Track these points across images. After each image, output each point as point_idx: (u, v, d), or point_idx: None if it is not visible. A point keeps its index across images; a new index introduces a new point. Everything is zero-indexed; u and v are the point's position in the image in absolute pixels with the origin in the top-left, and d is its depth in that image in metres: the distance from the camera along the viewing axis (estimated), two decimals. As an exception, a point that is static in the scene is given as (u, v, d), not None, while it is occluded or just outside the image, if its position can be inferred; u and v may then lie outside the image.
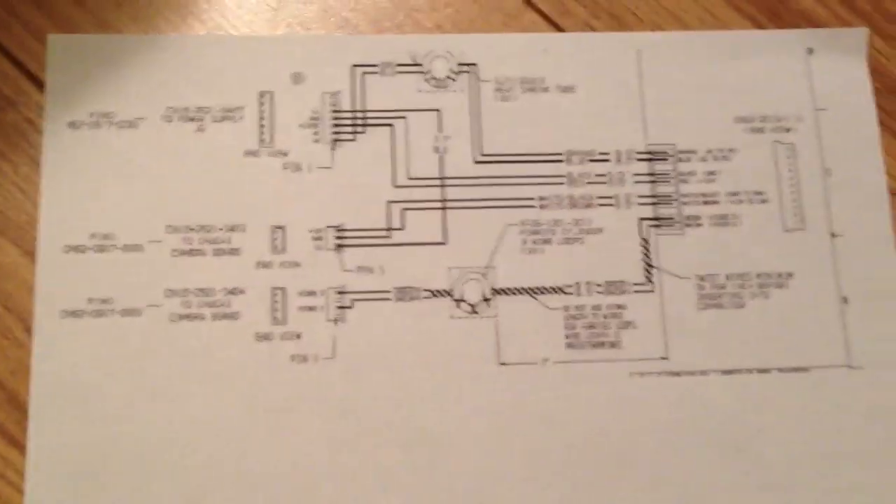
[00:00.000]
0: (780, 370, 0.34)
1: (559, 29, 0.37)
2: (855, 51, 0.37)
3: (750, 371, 0.34)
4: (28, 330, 0.32)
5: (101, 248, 0.33)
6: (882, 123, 0.37)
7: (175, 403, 0.32)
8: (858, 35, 0.37)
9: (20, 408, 0.32)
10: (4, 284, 0.33)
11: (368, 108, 0.36)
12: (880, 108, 0.37)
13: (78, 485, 0.31)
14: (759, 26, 0.38)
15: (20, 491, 0.31)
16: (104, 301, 0.33)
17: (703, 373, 0.34)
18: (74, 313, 0.33)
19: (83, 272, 0.33)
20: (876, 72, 0.37)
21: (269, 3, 0.36)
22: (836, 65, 0.37)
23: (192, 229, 0.34)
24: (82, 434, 0.32)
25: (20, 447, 0.32)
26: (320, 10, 0.37)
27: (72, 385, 0.32)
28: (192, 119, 0.35)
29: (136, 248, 0.33)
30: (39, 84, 0.35)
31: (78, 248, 0.33)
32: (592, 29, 0.37)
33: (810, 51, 0.37)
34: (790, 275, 0.35)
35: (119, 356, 0.32)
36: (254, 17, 0.36)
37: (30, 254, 0.33)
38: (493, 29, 0.37)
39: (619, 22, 0.37)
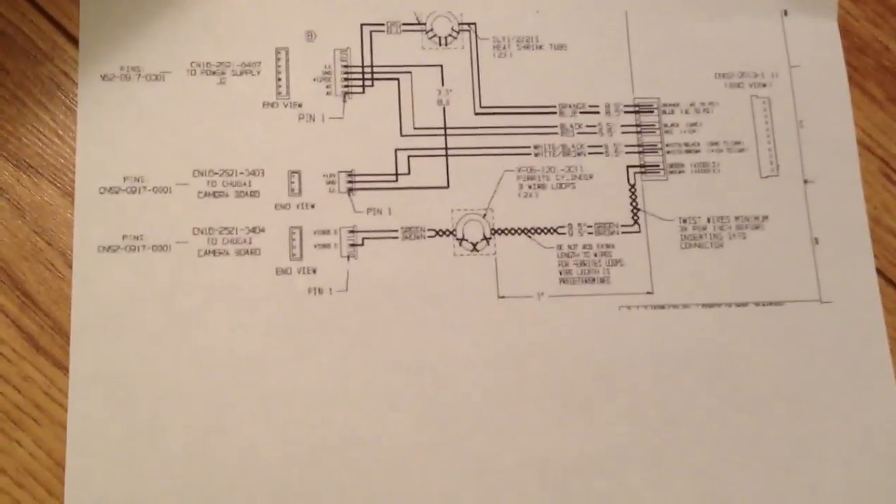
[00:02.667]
0: (757, 304, 0.37)
1: None
2: (826, 11, 0.39)
3: (729, 305, 0.36)
4: (68, 264, 0.35)
5: (133, 190, 0.35)
6: (851, 79, 0.39)
7: (201, 331, 0.34)
8: (829, -2, 0.39)
9: (63, 334, 0.34)
10: (46, 222, 0.35)
11: (376, 64, 0.38)
12: (849, 64, 0.39)
13: (115, 402, 0.34)
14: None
15: (64, 408, 0.34)
16: (136, 238, 0.35)
17: (686, 306, 0.36)
18: (110, 248, 0.35)
19: (117, 211, 0.35)
20: (845, 31, 0.39)
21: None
22: (809, 24, 0.39)
23: (215, 173, 0.36)
24: (118, 357, 0.34)
25: (64, 369, 0.34)
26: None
27: (108, 314, 0.34)
28: (213, 73, 0.37)
29: (165, 190, 0.36)
30: (73, 39, 0.37)
31: (112, 190, 0.35)
32: None
33: (785, 12, 0.39)
34: (766, 217, 0.38)
35: (150, 288, 0.35)
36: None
37: (68, 194, 0.35)
38: None
39: None
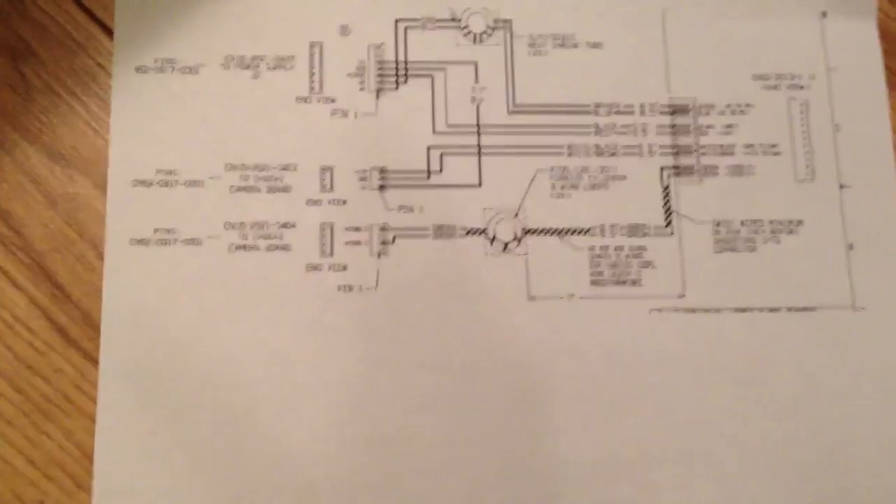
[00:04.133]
0: (789, 309, 0.36)
1: None
2: (865, 13, 0.39)
3: (761, 310, 0.36)
4: (100, 256, 0.35)
5: (165, 183, 0.36)
6: (889, 83, 0.38)
7: (231, 325, 0.35)
8: (868, 0, 0.39)
9: (94, 326, 0.34)
10: (78, 214, 0.35)
11: (410, 60, 0.38)
12: (888, 68, 0.39)
13: (144, 395, 0.34)
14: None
15: (93, 400, 0.34)
16: (168, 231, 0.35)
17: (717, 310, 0.36)
18: (141, 241, 0.35)
19: (149, 204, 0.35)
20: (884, 33, 0.39)
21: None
22: (848, 27, 0.39)
23: (248, 168, 0.36)
24: (148, 350, 0.34)
25: (94, 361, 0.34)
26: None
27: (138, 306, 0.34)
28: (247, 67, 0.37)
29: (197, 183, 0.36)
30: (108, 31, 0.37)
31: (145, 183, 0.36)
32: None
33: (824, 13, 0.39)
34: (800, 222, 0.37)
35: (181, 282, 0.35)
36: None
37: (101, 186, 0.35)
38: None
39: None
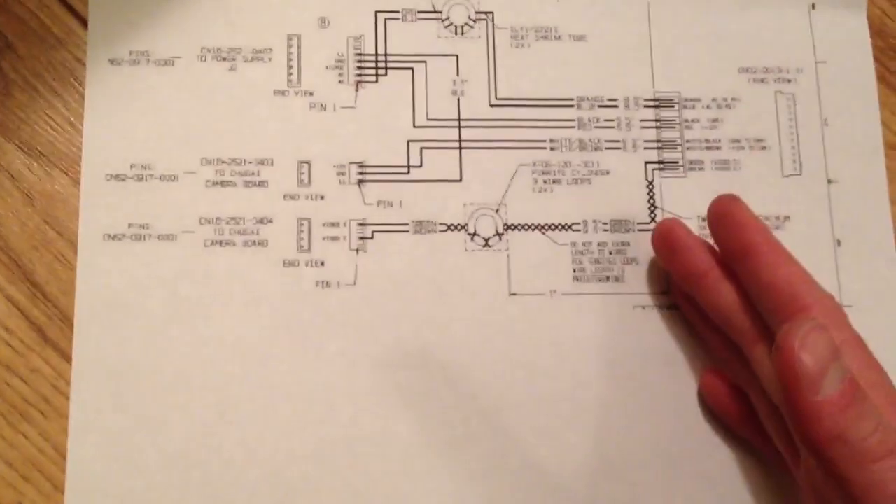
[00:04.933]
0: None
1: None
2: (856, 7, 0.38)
3: (746, 306, 0.36)
4: (77, 254, 0.34)
5: (140, 178, 0.35)
6: (883, 79, 0.38)
7: (206, 322, 0.34)
8: (862, -8, 0.38)
9: (72, 325, 0.34)
10: (56, 211, 0.35)
11: (390, 52, 0.37)
12: (882, 64, 0.38)
13: (117, 393, 0.33)
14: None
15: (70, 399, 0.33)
16: (143, 226, 0.35)
17: (702, 307, 0.36)
18: (115, 237, 0.35)
19: (123, 199, 0.35)
20: (879, 31, 0.39)
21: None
22: (837, 20, 0.38)
23: (223, 162, 0.35)
24: (122, 347, 0.34)
25: (71, 361, 0.34)
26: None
27: (112, 302, 0.34)
28: (224, 59, 0.36)
29: (172, 178, 0.35)
30: (87, 24, 0.36)
31: (119, 177, 0.35)
32: None
33: (812, 6, 0.38)
34: (787, 217, 0.37)
35: (156, 277, 0.34)
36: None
37: (79, 184, 0.35)
38: None
39: None
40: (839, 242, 0.37)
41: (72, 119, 0.35)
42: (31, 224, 0.34)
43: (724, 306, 0.32)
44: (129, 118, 0.35)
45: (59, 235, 0.34)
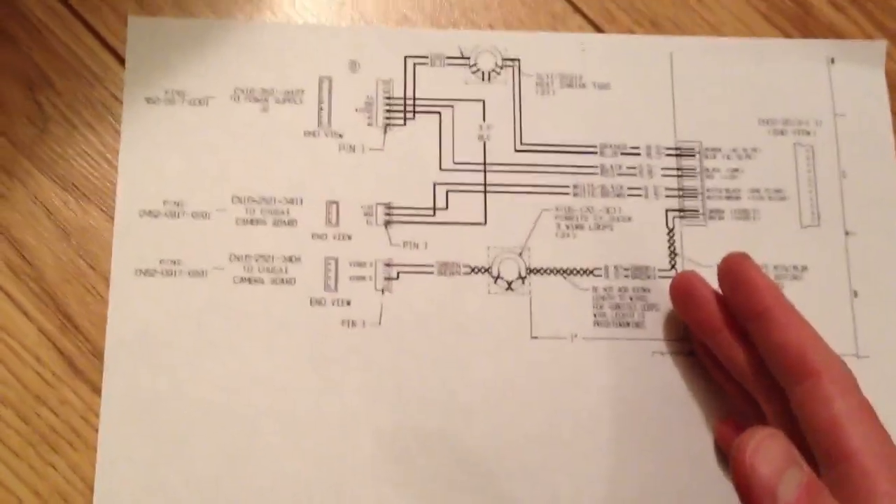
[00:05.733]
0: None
1: (602, 33, 0.39)
2: (874, 62, 0.39)
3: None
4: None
5: (172, 214, 0.36)
6: None
7: (234, 358, 0.35)
8: (877, 47, 0.39)
9: (102, 358, 0.34)
10: (90, 245, 0.35)
11: (418, 96, 0.38)
12: None
13: (145, 426, 0.34)
14: (788, 36, 0.40)
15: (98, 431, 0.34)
16: (174, 262, 0.35)
17: (720, 354, 0.36)
18: (147, 272, 0.35)
19: (156, 235, 0.35)
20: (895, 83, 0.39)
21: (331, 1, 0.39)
22: (855, 74, 0.39)
23: (254, 200, 0.36)
24: (150, 381, 0.34)
25: (100, 393, 0.34)
26: (382, 6, 0.39)
27: (142, 336, 0.34)
28: (257, 100, 0.37)
29: (203, 215, 0.36)
30: (123, 62, 0.37)
31: (151, 213, 0.36)
32: (633, 34, 0.39)
33: (832, 60, 0.39)
34: (805, 268, 0.37)
35: (185, 313, 0.35)
36: (320, 9, 0.39)
37: (113, 219, 0.36)
38: (540, 29, 0.39)
39: (658, 29, 0.39)
40: (856, 294, 0.37)
41: (107, 155, 0.36)
42: (65, 258, 0.35)
43: (740, 362, 0.33)
44: (163, 155, 0.36)
45: (92, 270, 0.35)
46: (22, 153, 0.36)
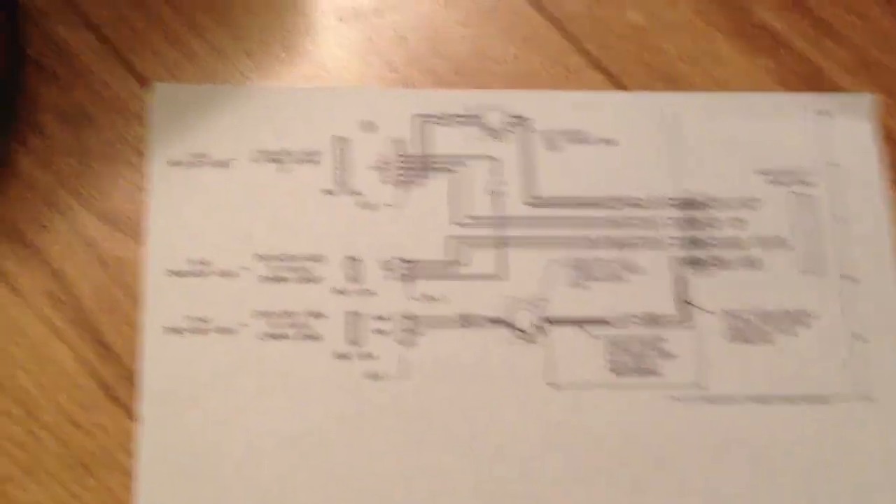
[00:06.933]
0: (803, 400, 0.37)
1: (621, 88, 0.40)
2: (863, 113, 0.41)
3: (776, 400, 0.37)
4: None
5: (199, 273, 0.36)
6: (890, 179, 0.40)
7: (262, 413, 0.35)
8: (867, 100, 0.41)
9: (136, 385, 0.35)
10: (126, 277, 0.36)
11: (431, 154, 0.39)
12: (889, 165, 0.40)
13: (179, 486, 0.34)
14: (793, 90, 0.41)
15: (132, 456, 0.34)
16: (202, 320, 0.36)
17: (736, 400, 0.37)
18: (176, 330, 0.36)
19: (183, 294, 0.36)
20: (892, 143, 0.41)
21: (351, 62, 0.40)
22: (847, 125, 0.41)
23: (277, 258, 0.37)
24: (182, 439, 0.35)
25: (134, 419, 0.35)
26: (396, 67, 0.40)
27: (173, 394, 0.35)
28: (275, 161, 0.38)
29: (229, 273, 0.36)
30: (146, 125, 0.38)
31: (179, 273, 0.36)
32: (650, 89, 0.40)
33: (825, 112, 0.41)
34: (810, 314, 0.38)
35: (214, 369, 0.35)
36: (334, 72, 0.40)
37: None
38: (559, 84, 0.40)
39: (673, 84, 0.41)
40: (860, 338, 0.38)
41: (145, 188, 0.37)
42: (102, 287, 0.36)
43: None
44: (188, 216, 0.37)
45: (127, 298, 0.36)
46: (63, 187, 0.37)
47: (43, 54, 0.38)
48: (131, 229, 0.37)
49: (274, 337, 0.36)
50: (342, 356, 0.36)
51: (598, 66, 0.41)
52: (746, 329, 0.38)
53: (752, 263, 0.39)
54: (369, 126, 0.39)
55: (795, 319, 0.38)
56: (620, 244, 0.38)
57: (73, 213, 0.37)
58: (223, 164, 0.38)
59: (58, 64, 0.38)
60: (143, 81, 0.38)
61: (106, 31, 0.39)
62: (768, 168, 0.40)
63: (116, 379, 0.35)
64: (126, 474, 0.34)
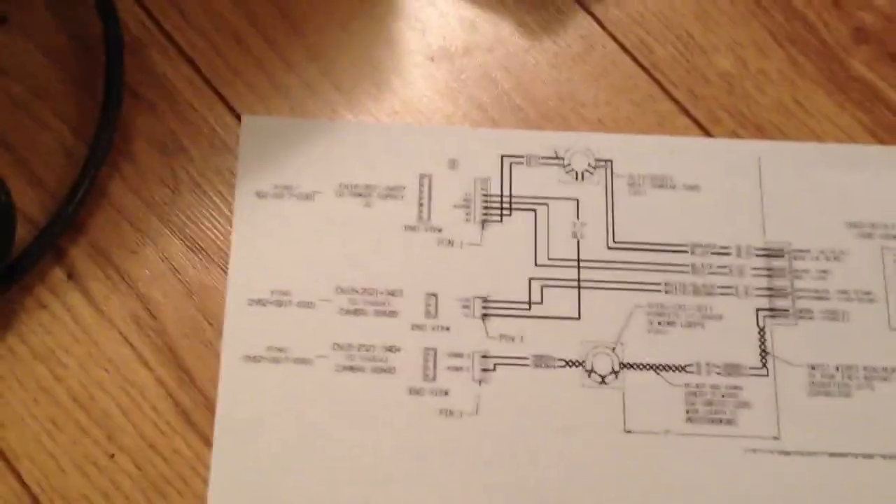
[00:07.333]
0: (883, 457, 0.36)
1: (708, 135, 0.40)
2: (959, 167, 0.40)
3: (855, 455, 0.36)
4: (221, 373, 0.37)
5: (279, 303, 0.37)
6: None
7: (335, 444, 0.36)
8: (962, 154, 0.40)
9: (213, 412, 0.36)
10: (211, 305, 0.37)
11: (514, 194, 0.39)
12: None
13: (251, 507, 0.35)
14: (883, 143, 0.41)
15: (206, 482, 0.35)
16: (280, 350, 0.36)
17: (812, 454, 0.36)
18: (254, 358, 0.36)
19: (263, 323, 0.37)
20: None
21: (439, 100, 0.41)
22: (941, 177, 0.40)
23: (356, 291, 0.37)
24: (254, 465, 0.35)
25: (210, 445, 0.36)
26: (484, 106, 0.41)
27: (249, 422, 0.36)
28: (360, 195, 0.39)
29: (308, 304, 0.37)
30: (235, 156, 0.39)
31: (260, 302, 0.37)
32: (738, 137, 0.40)
33: (916, 163, 0.40)
34: (894, 369, 0.37)
35: (290, 399, 0.36)
36: (420, 111, 0.40)
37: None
38: (648, 129, 0.40)
39: (762, 133, 0.40)
40: (939, 395, 0.37)
41: (232, 219, 0.38)
42: (187, 314, 0.37)
43: None
44: (271, 247, 0.38)
45: (211, 326, 0.37)
46: (155, 214, 0.38)
47: (140, 84, 0.39)
48: (217, 258, 0.38)
49: (350, 369, 0.36)
50: (416, 391, 0.36)
51: (686, 113, 0.41)
52: (828, 383, 0.37)
53: (837, 316, 0.38)
54: (454, 164, 0.39)
55: (881, 376, 0.37)
56: (702, 291, 0.38)
57: (163, 241, 0.38)
58: (308, 197, 0.38)
59: (154, 94, 0.39)
60: (235, 114, 0.39)
61: (201, 64, 0.40)
62: (857, 220, 0.39)
63: (195, 405, 0.36)
64: (199, 499, 0.35)
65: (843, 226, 0.39)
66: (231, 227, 0.38)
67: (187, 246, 0.38)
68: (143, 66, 0.40)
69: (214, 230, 0.38)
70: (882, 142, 0.40)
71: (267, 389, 0.36)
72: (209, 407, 0.36)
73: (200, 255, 0.38)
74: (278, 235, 0.38)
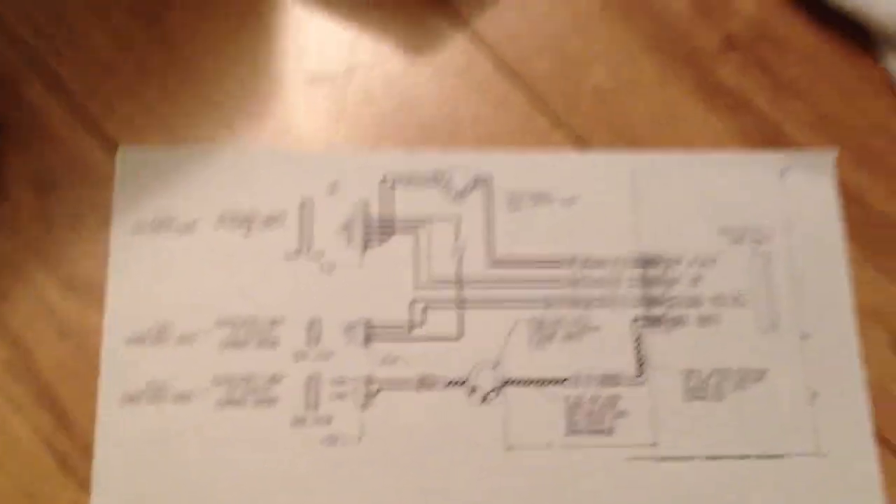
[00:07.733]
0: (757, 457, 0.37)
1: (585, 148, 0.41)
2: (823, 171, 0.41)
3: (730, 457, 0.37)
4: (97, 414, 0.36)
5: (158, 340, 0.37)
6: (865, 253, 0.40)
7: (219, 482, 0.35)
8: (827, 156, 0.42)
9: (92, 457, 0.35)
10: (88, 346, 0.37)
11: (396, 216, 0.39)
12: (864, 238, 0.41)
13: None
14: (750, 147, 0.42)
15: None
16: (159, 388, 0.36)
17: (689, 458, 0.37)
18: (133, 398, 0.36)
19: (142, 361, 0.36)
20: (860, 204, 0.41)
21: (319, 123, 0.40)
22: (807, 183, 0.41)
23: (237, 323, 0.37)
24: (138, 505, 0.35)
25: (88, 492, 0.35)
26: (362, 129, 0.41)
27: (128, 462, 0.35)
28: (241, 223, 0.38)
29: (188, 339, 0.37)
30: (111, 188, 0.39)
31: (138, 339, 0.37)
32: (613, 148, 0.41)
33: (784, 170, 0.41)
34: (765, 371, 0.39)
35: (170, 439, 0.36)
36: (299, 134, 0.40)
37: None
38: (527, 144, 0.41)
39: (636, 143, 0.41)
40: (815, 394, 0.38)
41: (108, 258, 0.38)
42: (62, 356, 0.36)
43: None
44: (149, 282, 0.37)
45: (88, 368, 0.36)
46: (28, 252, 0.37)
47: (9, 118, 0.39)
48: (93, 297, 0.37)
49: (232, 403, 0.36)
50: (299, 421, 0.36)
51: (563, 126, 0.41)
52: (703, 388, 0.38)
53: (710, 322, 0.39)
54: (335, 188, 0.39)
55: (752, 377, 0.38)
56: (580, 304, 0.39)
57: (36, 282, 0.37)
58: (188, 228, 0.38)
59: (25, 128, 0.39)
60: (111, 145, 0.39)
61: (75, 96, 0.39)
62: (729, 226, 0.40)
63: (73, 450, 0.35)
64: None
65: (715, 232, 0.40)
66: (106, 263, 0.37)
67: (62, 286, 0.37)
68: (12, 99, 0.39)
69: (90, 268, 0.37)
70: (751, 147, 0.41)
71: (146, 430, 0.36)
72: (88, 451, 0.35)
73: (76, 296, 0.37)
74: (156, 269, 0.38)
